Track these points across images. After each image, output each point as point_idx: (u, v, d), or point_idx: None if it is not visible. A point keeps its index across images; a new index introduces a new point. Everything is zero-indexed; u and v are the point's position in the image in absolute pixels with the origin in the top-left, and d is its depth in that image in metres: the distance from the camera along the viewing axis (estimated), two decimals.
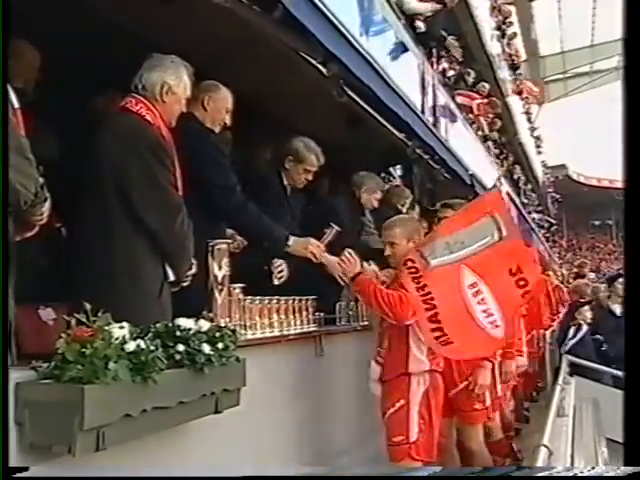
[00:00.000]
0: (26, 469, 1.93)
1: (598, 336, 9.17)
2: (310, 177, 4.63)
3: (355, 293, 4.14)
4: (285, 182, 4.62)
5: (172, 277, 3.05)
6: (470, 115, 11.01)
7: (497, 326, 3.89)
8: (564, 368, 7.85)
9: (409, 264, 3.88)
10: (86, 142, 3.07)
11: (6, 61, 2.08)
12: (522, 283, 3.93)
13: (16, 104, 2.33)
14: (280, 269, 4.23)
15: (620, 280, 9.72)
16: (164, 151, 3.00)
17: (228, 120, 3.92)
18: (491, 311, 3.89)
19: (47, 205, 2.43)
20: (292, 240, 3.93)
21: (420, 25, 7.29)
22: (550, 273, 8.78)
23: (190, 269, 3.13)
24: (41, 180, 2.35)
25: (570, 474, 2.84)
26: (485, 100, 11.71)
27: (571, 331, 8.90)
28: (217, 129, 3.87)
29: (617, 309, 9.29)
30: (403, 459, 3.74)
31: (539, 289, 6.74)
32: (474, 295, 3.90)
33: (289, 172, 4.59)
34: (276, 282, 4.21)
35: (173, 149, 3.08)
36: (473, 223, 3.97)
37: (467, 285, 3.90)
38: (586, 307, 9.25)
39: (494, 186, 4.74)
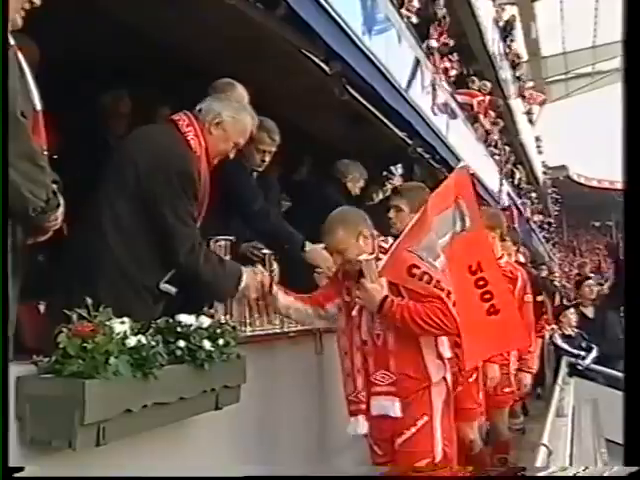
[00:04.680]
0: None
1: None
2: (267, 157, 4.29)
3: (391, 322, 3.28)
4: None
5: (173, 291, 3.01)
6: (471, 113, 11.01)
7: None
8: (563, 368, 7.85)
9: (416, 272, 3.21)
10: (96, 140, 3.04)
11: (6, 61, 2.06)
12: (481, 283, 3.35)
13: (38, 106, 2.30)
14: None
15: (587, 283, 9.76)
16: (192, 183, 2.93)
17: None
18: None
19: (60, 210, 2.37)
20: (308, 246, 3.99)
21: (411, 15, 7.21)
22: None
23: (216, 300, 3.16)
24: (54, 186, 2.30)
25: (570, 474, 2.84)
26: (486, 98, 11.70)
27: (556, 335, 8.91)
28: None
29: (589, 312, 9.32)
30: None
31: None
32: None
33: (244, 154, 4.21)
34: None
35: (206, 183, 3.02)
36: (443, 211, 3.34)
37: None
38: (571, 310, 9.26)
39: (462, 166, 3.89)
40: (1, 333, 1.91)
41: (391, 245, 3.38)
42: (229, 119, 3.09)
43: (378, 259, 3.30)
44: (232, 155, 3.21)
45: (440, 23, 8.87)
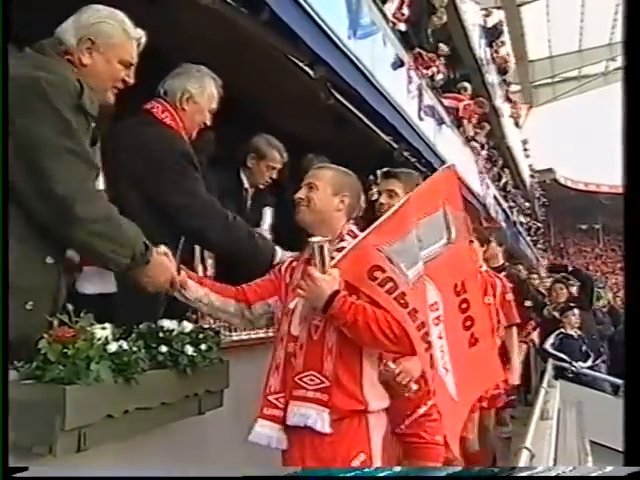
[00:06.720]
0: (26, 469, 1.92)
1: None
2: (274, 175, 4.34)
3: (337, 324, 2.57)
4: (246, 183, 4.35)
5: None
6: (457, 116, 11.05)
7: (447, 370, 2.78)
8: (549, 371, 7.86)
9: (378, 275, 2.51)
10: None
11: (6, 59, 2.06)
12: (464, 306, 2.85)
13: None
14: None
15: (556, 286, 9.78)
16: (191, 158, 3.00)
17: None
18: (444, 347, 2.80)
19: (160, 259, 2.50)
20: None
21: (401, 26, 7.23)
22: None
23: None
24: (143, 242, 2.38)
25: (552, 474, 2.84)
26: (472, 101, 11.74)
27: (552, 335, 8.90)
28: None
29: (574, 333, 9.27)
30: None
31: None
32: (435, 323, 2.77)
33: (252, 170, 4.34)
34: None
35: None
36: (430, 214, 2.80)
37: (428, 306, 2.75)
38: (575, 311, 9.26)
39: (449, 165, 3.35)
40: (1, 333, 1.90)
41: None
42: (197, 90, 3.11)
43: (342, 240, 2.73)
44: (209, 122, 3.20)
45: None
